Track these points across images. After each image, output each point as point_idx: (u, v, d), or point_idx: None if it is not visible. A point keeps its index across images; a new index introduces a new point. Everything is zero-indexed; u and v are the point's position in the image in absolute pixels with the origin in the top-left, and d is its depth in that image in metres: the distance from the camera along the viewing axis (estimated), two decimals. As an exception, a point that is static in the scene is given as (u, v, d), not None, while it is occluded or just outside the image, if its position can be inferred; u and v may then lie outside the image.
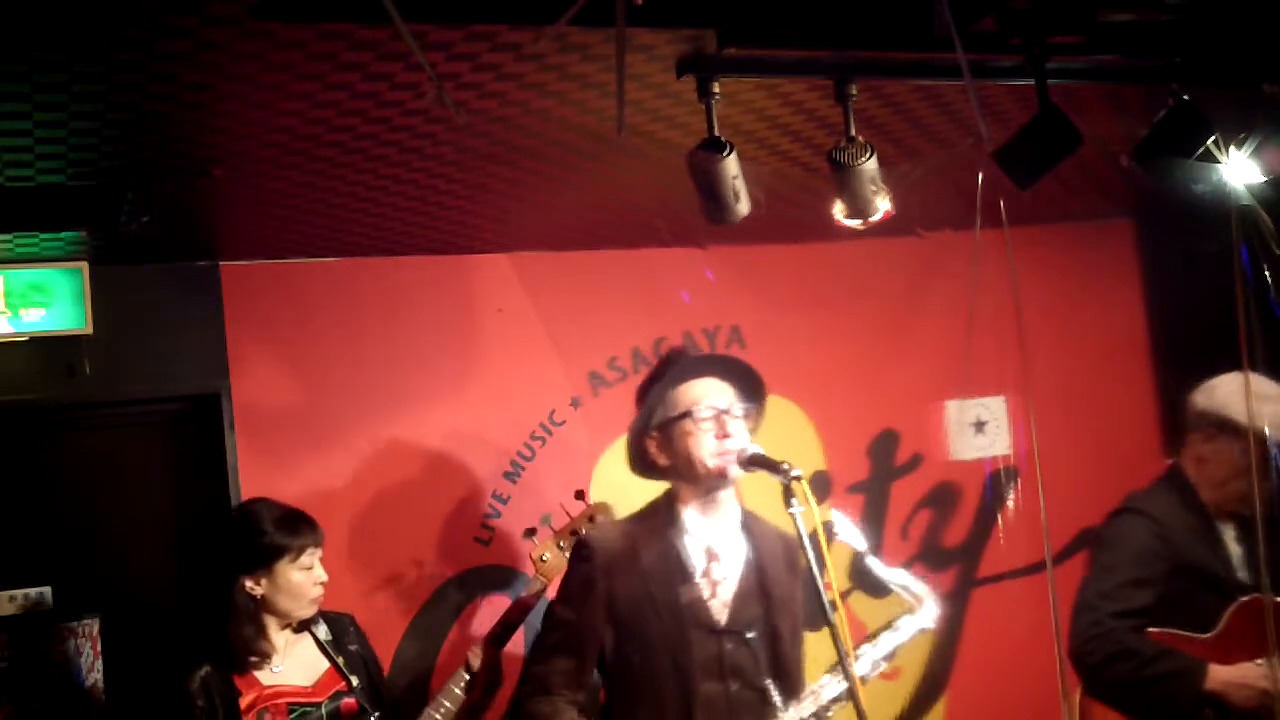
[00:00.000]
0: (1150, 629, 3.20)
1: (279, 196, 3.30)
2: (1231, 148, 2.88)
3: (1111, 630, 3.17)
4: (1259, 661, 3.08)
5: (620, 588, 2.98)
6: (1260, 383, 3.19)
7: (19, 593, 3.79)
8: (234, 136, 2.77)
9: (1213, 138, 2.82)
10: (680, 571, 3.00)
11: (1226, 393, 3.24)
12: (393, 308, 4.17)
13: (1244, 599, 3.17)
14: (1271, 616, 2.97)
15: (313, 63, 2.35)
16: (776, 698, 2.93)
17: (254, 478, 3.88)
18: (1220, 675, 3.11)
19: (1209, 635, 3.17)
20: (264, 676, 3.10)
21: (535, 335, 4.33)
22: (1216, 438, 3.25)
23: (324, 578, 3.16)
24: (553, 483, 4.26)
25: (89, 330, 3.54)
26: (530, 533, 3.71)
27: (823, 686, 2.95)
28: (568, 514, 3.68)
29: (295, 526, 3.14)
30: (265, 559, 3.09)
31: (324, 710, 3.09)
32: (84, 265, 3.54)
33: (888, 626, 3.04)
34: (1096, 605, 3.21)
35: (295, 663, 3.15)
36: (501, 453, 4.25)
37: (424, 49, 2.29)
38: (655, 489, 3.16)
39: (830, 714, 2.94)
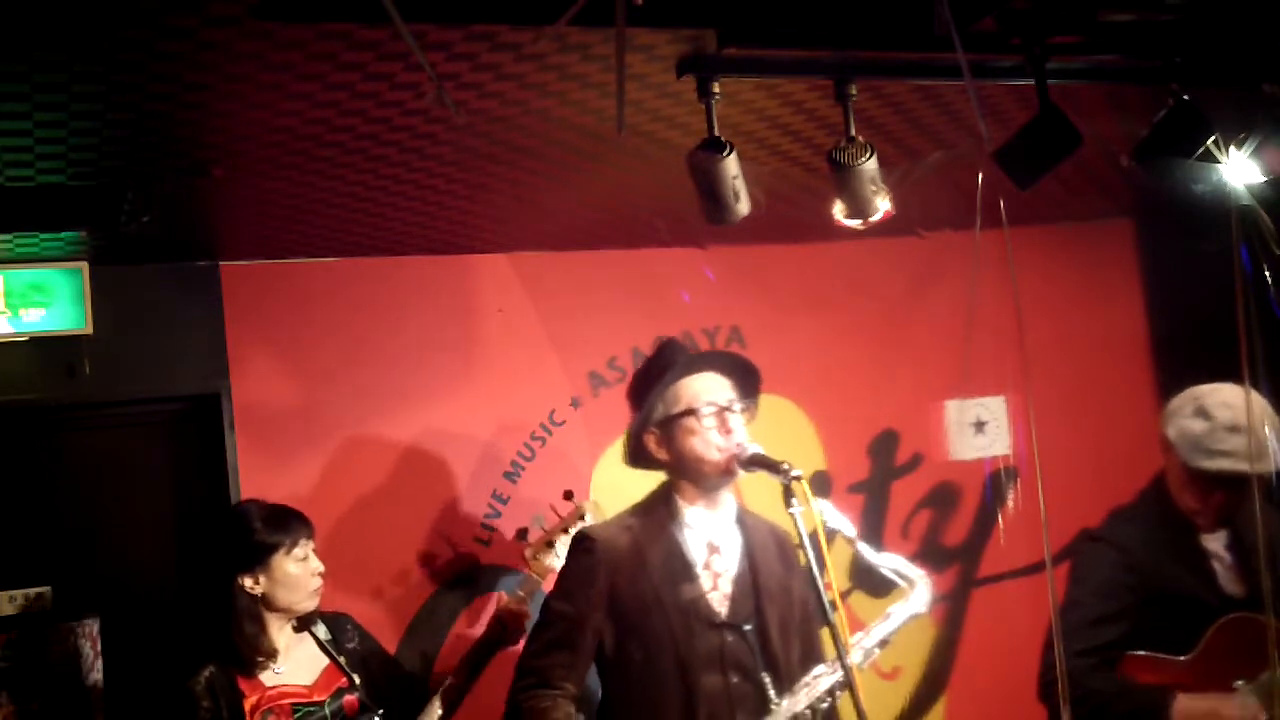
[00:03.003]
0: (1127, 652, 3.12)
1: (279, 196, 3.30)
2: (1231, 148, 2.87)
3: (1072, 670, 3.00)
4: (1238, 683, 3.01)
5: (622, 581, 2.99)
6: (1226, 392, 3.09)
7: (19, 593, 3.79)
8: (234, 136, 2.77)
9: (1213, 138, 2.82)
10: (682, 564, 3.01)
11: (1176, 404, 3.17)
12: (393, 308, 4.18)
13: (1223, 619, 3.07)
14: (1250, 635, 2.92)
15: (313, 63, 2.35)
16: (770, 690, 2.94)
17: (254, 478, 3.89)
18: (1188, 709, 3.00)
19: (1188, 657, 3.08)
20: (267, 677, 3.11)
21: (535, 335, 4.33)
22: (1167, 452, 3.18)
23: (320, 567, 3.19)
24: (553, 483, 4.25)
25: (89, 330, 3.54)
26: (522, 534, 3.73)
27: (816, 679, 2.95)
28: (557, 514, 3.70)
29: (284, 521, 3.19)
30: (259, 556, 3.13)
31: (327, 710, 3.11)
32: (84, 265, 3.54)
33: (881, 617, 3.04)
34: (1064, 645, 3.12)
35: (296, 663, 3.16)
36: (501, 453, 4.25)
37: (424, 49, 2.29)
38: (654, 483, 3.16)
39: (824, 705, 2.94)
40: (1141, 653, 3.12)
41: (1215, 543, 3.20)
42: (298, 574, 3.15)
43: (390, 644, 3.97)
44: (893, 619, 3.02)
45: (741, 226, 2.72)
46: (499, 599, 3.80)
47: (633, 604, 2.98)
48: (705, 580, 3.01)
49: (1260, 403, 3.05)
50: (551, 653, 3.01)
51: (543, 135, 2.98)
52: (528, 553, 3.65)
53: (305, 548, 3.18)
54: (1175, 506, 3.21)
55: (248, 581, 3.12)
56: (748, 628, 2.99)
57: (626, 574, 2.99)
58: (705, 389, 3.03)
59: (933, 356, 4.70)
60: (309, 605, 3.18)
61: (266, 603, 3.13)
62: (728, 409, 3.01)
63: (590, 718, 3.14)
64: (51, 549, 3.88)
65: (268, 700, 3.07)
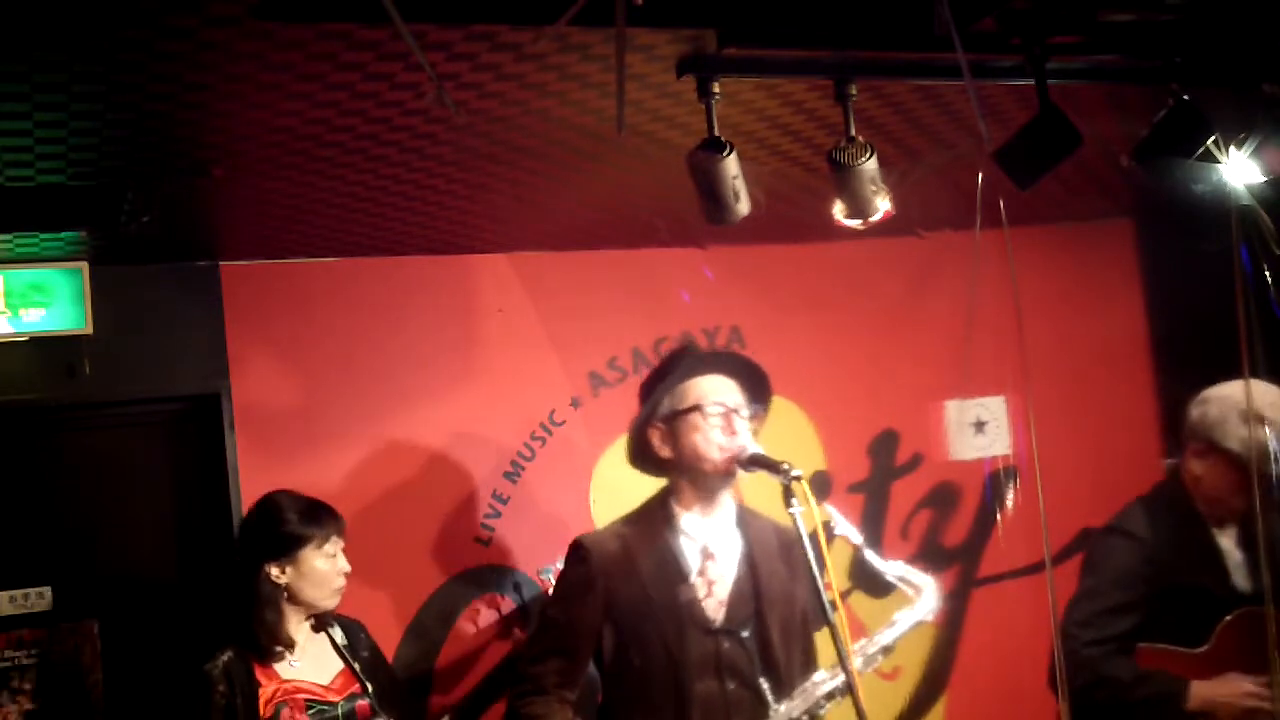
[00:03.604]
0: (1140, 644, 3.15)
1: (279, 196, 3.30)
2: (1231, 148, 2.87)
3: (1088, 659, 3.11)
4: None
5: (617, 589, 2.99)
6: (1261, 392, 3.09)
7: (19, 593, 3.79)
8: (234, 136, 2.77)
9: (1213, 138, 2.82)
10: (677, 572, 3.01)
11: (1220, 411, 3.15)
12: (393, 308, 4.17)
13: (1232, 615, 3.11)
14: (1271, 632, 2.93)
15: (313, 63, 2.35)
16: (769, 695, 2.94)
17: (254, 478, 3.88)
18: (1203, 692, 3.06)
19: (1200, 650, 3.12)
20: (283, 670, 3.11)
21: (535, 335, 4.33)
22: (1208, 456, 3.18)
23: (347, 568, 3.19)
24: (553, 483, 4.27)
25: (89, 330, 3.54)
26: (546, 571, 3.74)
27: (815, 684, 2.95)
28: None
29: (318, 515, 3.19)
30: (289, 547, 3.13)
31: (340, 710, 3.11)
32: (84, 265, 3.54)
33: (886, 623, 3.04)
34: (1074, 634, 3.16)
35: (313, 661, 3.16)
36: (501, 453, 4.25)
37: (424, 49, 2.29)
38: (654, 488, 3.16)
39: (823, 711, 2.94)
40: (1154, 645, 3.15)
41: (1227, 539, 3.23)
42: (325, 570, 3.15)
43: (390, 643, 3.98)
44: (898, 625, 3.01)
45: (741, 226, 2.72)
46: (515, 632, 3.80)
47: (629, 611, 2.99)
48: (700, 587, 3.01)
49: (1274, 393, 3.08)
50: (548, 659, 3.02)
51: (543, 135, 2.98)
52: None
53: (335, 545, 3.18)
54: (1191, 503, 3.24)
55: (274, 571, 3.12)
56: (745, 634, 2.99)
57: (622, 581, 2.99)
58: (714, 389, 3.04)
59: (933, 356, 4.70)
60: (330, 603, 3.18)
61: (290, 594, 3.13)
62: (735, 411, 3.01)
63: (591, 717, 3.15)
64: (51, 549, 3.88)
65: (283, 693, 3.07)
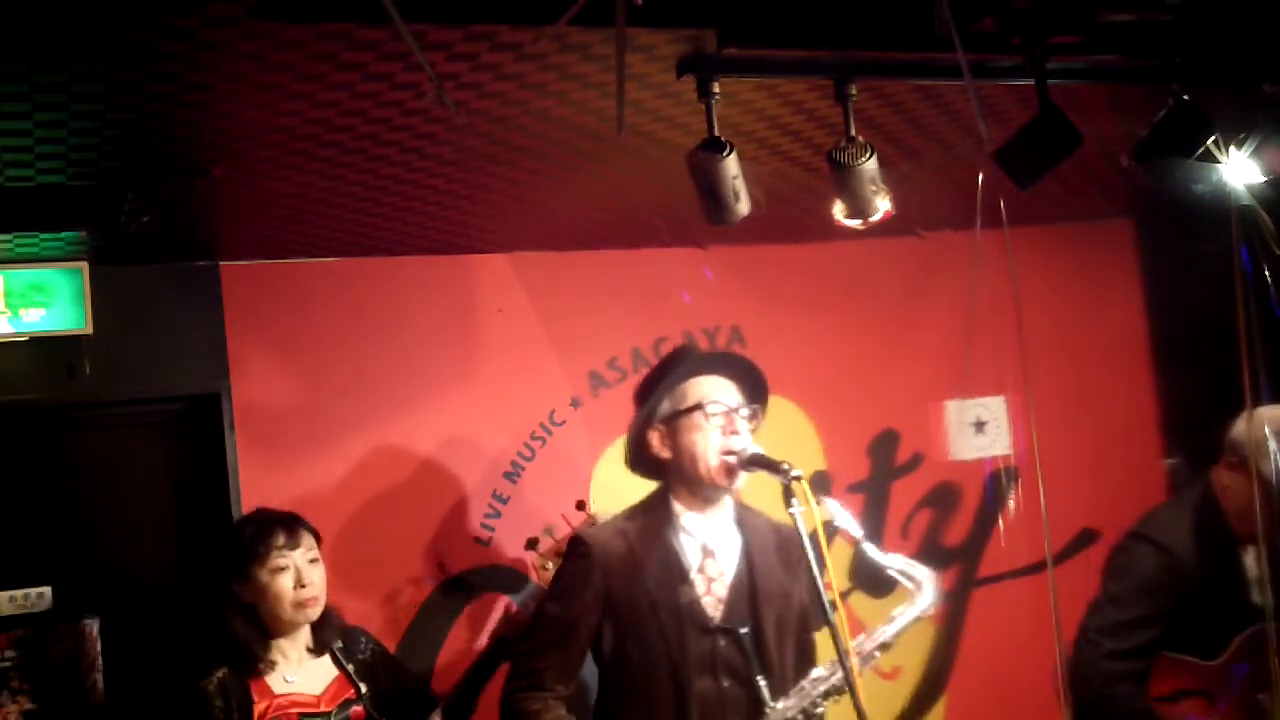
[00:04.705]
0: (1161, 653, 3.15)
1: (279, 196, 3.30)
2: (1231, 148, 2.87)
3: (1105, 672, 3.11)
4: (1260, 696, 3.04)
5: (617, 585, 2.99)
6: None
7: (19, 593, 3.79)
8: (234, 136, 2.77)
9: (1213, 138, 2.82)
10: (676, 569, 3.01)
11: (1260, 430, 3.12)
12: (393, 308, 4.18)
13: (1252, 628, 3.10)
14: (1272, 644, 2.93)
15: (313, 63, 2.35)
16: (765, 693, 2.94)
17: (254, 478, 3.89)
18: None
19: (1215, 662, 3.12)
20: (277, 685, 3.09)
21: (535, 335, 4.33)
22: (1238, 470, 3.17)
23: (306, 581, 3.09)
24: (552, 483, 4.27)
25: (89, 330, 3.54)
26: (533, 543, 3.72)
27: (812, 682, 2.95)
28: (569, 524, 3.70)
29: (266, 530, 3.11)
30: (242, 565, 3.09)
31: None
32: (84, 265, 3.54)
33: (884, 620, 3.04)
34: (1096, 641, 3.15)
35: (308, 673, 3.14)
36: (501, 453, 4.25)
37: (424, 49, 2.29)
38: (654, 486, 3.16)
39: (820, 709, 2.94)
40: (1170, 654, 3.14)
41: (1248, 555, 3.21)
42: (271, 585, 3.06)
43: (390, 644, 3.97)
44: (896, 621, 3.00)
45: (741, 226, 2.72)
46: (507, 606, 3.80)
47: (628, 607, 2.99)
48: (699, 584, 3.01)
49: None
50: (544, 654, 3.02)
51: (543, 135, 2.99)
52: (537, 562, 3.64)
53: (286, 558, 3.08)
54: (1220, 513, 3.21)
55: (236, 589, 3.10)
56: (743, 631, 2.99)
57: (622, 578, 2.99)
58: (715, 389, 3.04)
59: (933, 356, 4.71)
60: (296, 618, 3.10)
61: (260, 613, 3.09)
62: (735, 411, 3.02)
63: (587, 713, 3.14)
64: (51, 549, 3.88)
65: (276, 708, 3.05)
